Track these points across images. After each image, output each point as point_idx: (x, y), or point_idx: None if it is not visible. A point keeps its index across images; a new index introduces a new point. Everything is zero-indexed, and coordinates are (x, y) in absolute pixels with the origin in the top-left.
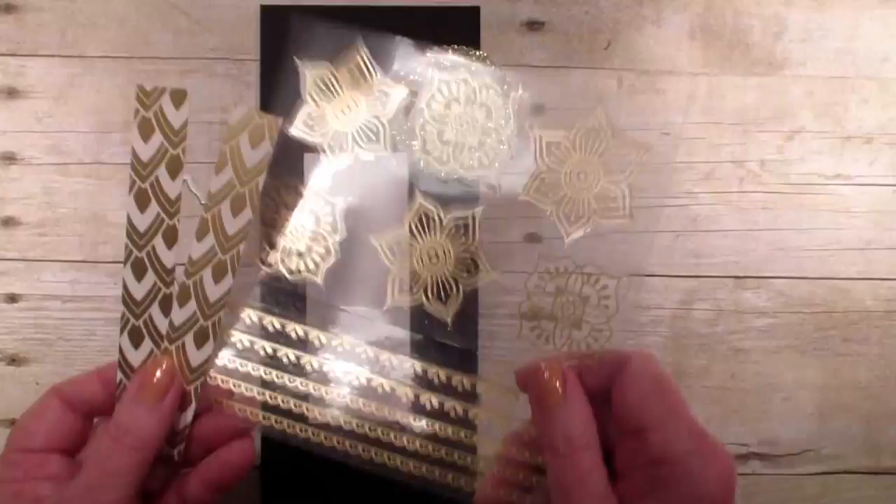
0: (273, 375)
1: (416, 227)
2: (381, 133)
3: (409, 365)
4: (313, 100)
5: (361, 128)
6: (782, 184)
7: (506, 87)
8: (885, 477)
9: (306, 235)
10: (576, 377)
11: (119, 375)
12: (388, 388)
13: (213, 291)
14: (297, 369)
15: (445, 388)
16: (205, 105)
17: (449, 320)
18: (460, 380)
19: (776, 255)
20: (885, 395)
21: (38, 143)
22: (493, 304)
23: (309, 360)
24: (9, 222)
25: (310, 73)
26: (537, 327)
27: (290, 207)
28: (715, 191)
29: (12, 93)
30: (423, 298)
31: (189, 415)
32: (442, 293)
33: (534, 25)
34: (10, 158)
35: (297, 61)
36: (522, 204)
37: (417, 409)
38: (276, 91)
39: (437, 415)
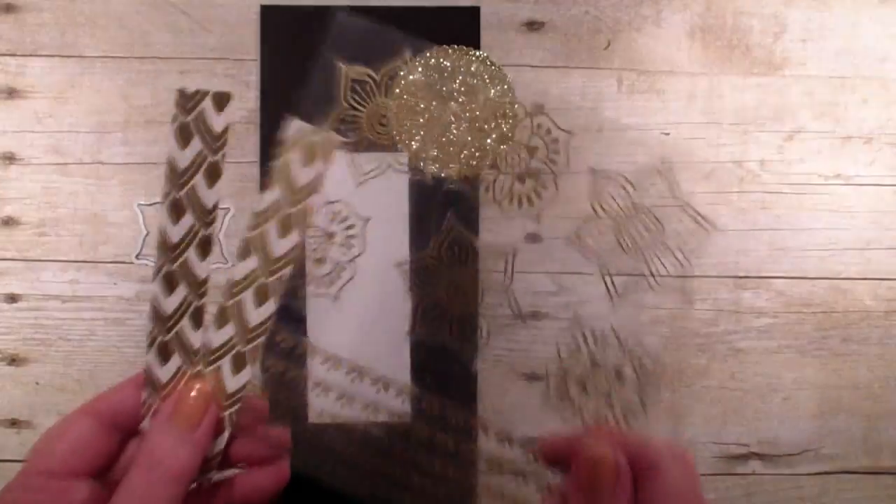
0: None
1: (446, 254)
2: (390, 125)
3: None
4: (349, 104)
5: (371, 118)
6: (782, 184)
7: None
8: (885, 477)
9: (328, 251)
10: (629, 471)
11: (145, 393)
12: (384, 412)
13: (254, 316)
14: (292, 385)
15: (440, 420)
16: None
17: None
18: (454, 414)
19: (776, 255)
20: (884, 395)
21: (38, 143)
22: (492, 304)
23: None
24: (9, 222)
25: (349, 76)
26: (566, 398)
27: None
28: (715, 191)
29: (12, 93)
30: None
31: (222, 441)
32: (467, 329)
33: (534, 25)
34: (10, 158)
35: (339, 64)
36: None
37: (414, 438)
38: (276, 91)
39: (432, 446)
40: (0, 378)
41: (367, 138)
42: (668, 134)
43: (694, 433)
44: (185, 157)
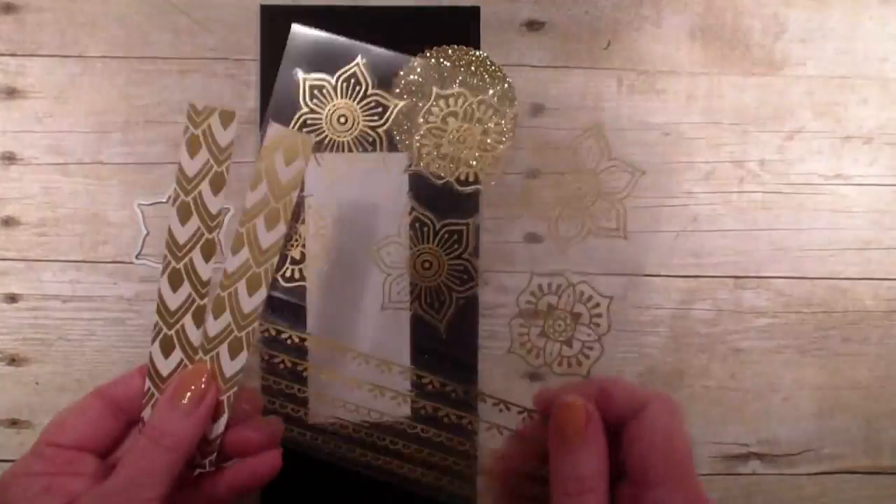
0: (270, 381)
1: (411, 235)
2: (377, 143)
3: (406, 374)
4: (309, 107)
5: (358, 137)
6: (782, 184)
7: (504, 102)
8: (885, 477)
9: (301, 243)
10: (599, 417)
11: (147, 384)
12: (385, 395)
13: (248, 303)
14: (294, 376)
15: (441, 396)
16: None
17: (442, 328)
18: (454, 389)
19: (776, 255)
20: (884, 395)
21: (38, 143)
22: (492, 304)
23: (305, 367)
24: (9, 222)
25: (307, 82)
26: (528, 342)
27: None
28: (715, 191)
29: (12, 93)
30: (418, 307)
31: (221, 425)
32: (436, 302)
33: (534, 25)
34: (10, 158)
35: (295, 70)
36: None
37: (415, 416)
38: (277, 91)
39: (434, 421)
40: (0, 378)
41: (330, 137)
42: (668, 134)
43: (694, 433)
44: (193, 166)
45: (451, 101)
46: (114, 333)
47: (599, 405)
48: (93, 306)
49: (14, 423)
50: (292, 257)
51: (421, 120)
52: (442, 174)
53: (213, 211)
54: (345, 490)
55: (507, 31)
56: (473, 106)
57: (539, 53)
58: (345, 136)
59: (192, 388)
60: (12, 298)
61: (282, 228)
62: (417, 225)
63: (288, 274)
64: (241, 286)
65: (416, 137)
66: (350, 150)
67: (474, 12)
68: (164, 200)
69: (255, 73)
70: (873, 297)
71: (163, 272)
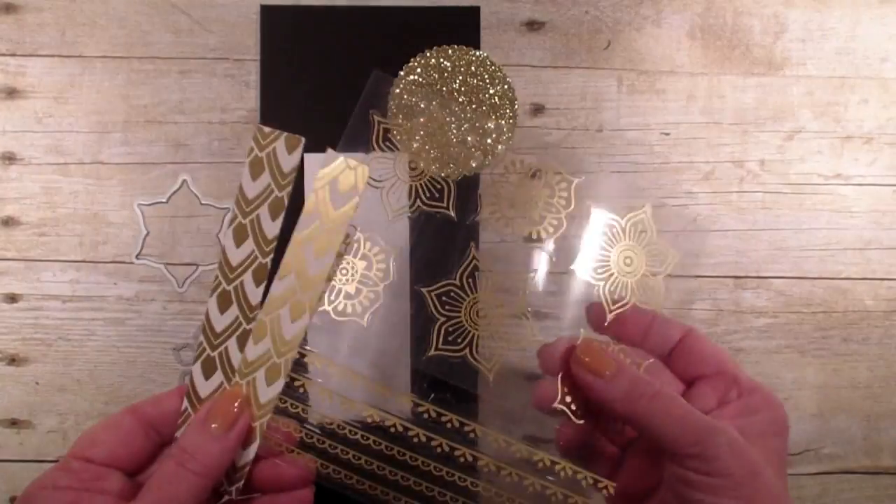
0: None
1: (469, 281)
2: (444, 192)
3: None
4: (381, 149)
5: (426, 183)
6: (782, 184)
7: (504, 102)
8: (885, 477)
9: (356, 279)
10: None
11: (185, 403)
12: (399, 429)
13: (289, 330)
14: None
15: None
16: (205, 105)
17: (491, 378)
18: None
19: (776, 255)
20: (885, 395)
21: (38, 143)
22: (492, 304)
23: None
24: (9, 222)
25: (381, 125)
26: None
27: (343, 250)
28: (715, 191)
29: (12, 93)
30: (468, 353)
31: (251, 452)
32: (486, 351)
33: (534, 25)
34: (10, 158)
35: (372, 114)
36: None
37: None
38: (276, 91)
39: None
40: (0, 378)
41: (421, 207)
42: (668, 134)
43: None
44: (254, 188)
45: (451, 101)
46: (114, 333)
47: (654, 330)
48: (93, 306)
49: (14, 423)
50: (347, 291)
51: (421, 120)
52: (442, 174)
53: (270, 236)
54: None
55: (507, 31)
56: (473, 106)
57: (539, 53)
58: (415, 181)
59: (225, 412)
60: (12, 298)
61: (330, 259)
62: (476, 273)
63: (340, 307)
64: (285, 312)
65: (416, 137)
66: (418, 195)
67: (474, 12)
68: (163, 200)
69: (255, 73)
70: (873, 297)
71: (212, 293)
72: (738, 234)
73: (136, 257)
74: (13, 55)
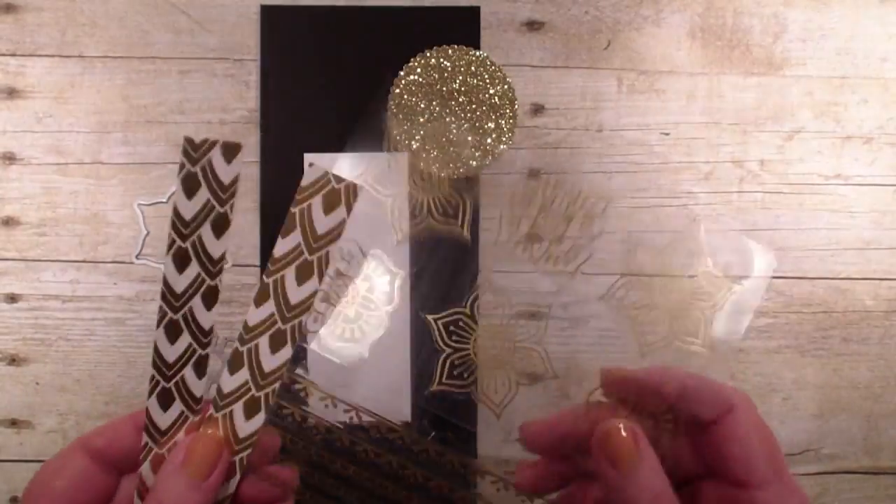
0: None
1: (479, 310)
2: (459, 210)
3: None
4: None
5: (438, 200)
6: (782, 184)
7: (504, 102)
8: (885, 477)
9: (358, 301)
10: (643, 437)
11: (144, 438)
12: (395, 466)
13: (269, 362)
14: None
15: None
16: (205, 105)
17: (499, 419)
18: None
19: (776, 255)
20: (885, 395)
21: (38, 143)
22: (493, 305)
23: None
24: (9, 222)
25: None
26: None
27: (336, 272)
28: (715, 191)
29: (12, 93)
30: (475, 390)
31: (232, 486)
32: (496, 385)
33: (534, 25)
34: (10, 158)
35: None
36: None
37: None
38: (276, 91)
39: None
40: (0, 378)
41: (430, 223)
42: (668, 134)
43: None
44: (191, 208)
45: (451, 101)
46: (114, 333)
47: (680, 401)
48: (93, 306)
49: (14, 423)
50: (346, 315)
51: (421, 120)
52: (442, 174)
53: (216, 255)
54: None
55: (507, 31)
56: (473, 106)
57: (539, 53)
58: (426, 196)
59: (203, 456)
60: (12, 298)
61: (314, 283)
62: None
63: (339, 332)
64: (264, 342)
65: (417, 137)
66: (430, 211)
67: (474, 12)
68: (163, 200)
69: (255, 73)
70: (873, 297)
71: (158, 324)
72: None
73: (136, 257)
74: (13, 55)
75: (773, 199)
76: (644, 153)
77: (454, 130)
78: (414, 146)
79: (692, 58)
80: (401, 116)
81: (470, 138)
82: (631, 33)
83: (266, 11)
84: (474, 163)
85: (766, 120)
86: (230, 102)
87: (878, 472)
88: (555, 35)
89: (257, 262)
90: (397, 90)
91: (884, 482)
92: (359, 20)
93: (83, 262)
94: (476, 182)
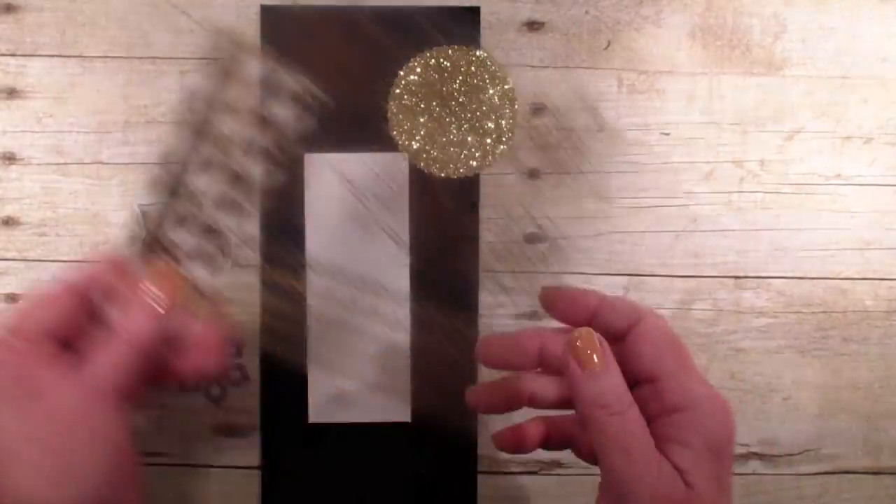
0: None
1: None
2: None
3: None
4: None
5: None
6: (782, 184)
7: (504, 102)
8: (885, 477)
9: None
10: (607, 344)
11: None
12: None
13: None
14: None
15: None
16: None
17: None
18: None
19: (776, 255)
20: (885, 395)
21: (38, 143)
22: (493, 305)
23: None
24: (9, 222)
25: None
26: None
27: None
28: (715, 191)
29: (12, 93)
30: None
31: (184, 327)
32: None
33: (534, 25)
34: (10, 158)
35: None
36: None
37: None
38: (277, 92)
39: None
40: None
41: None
42: (668, 134)
43: None
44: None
45: (451, 101)
46: None
47: (600, 317)
48: None
49: None
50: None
51: (421, 120)
52: (442, 174)
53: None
54: (345, 490)
55: (507, 31)
56: (473, 106)
57: (539, 53)
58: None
59: (160, 289)
60: (12, 298)
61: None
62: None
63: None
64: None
65: (416, 138)
66: None
67: (474, 12)
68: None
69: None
70: (873, 297)
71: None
72: (738, 234)
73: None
74: (13, 55)
75: (773, 199)
76: (644, 153)
77: (454, 130)
78: (414, 146)
79: (692, 58)
80: (401, 116)
81: (470, 138)
82: (631, 33)
83: (266, 11)
84: (474, 163)
85: (766, 120)
86: (230, 102)
87: (879, 473)
88: (555, 35)
89: (257, 263)
90: (397, 90)
91: (884, 482)
92: (359, 20)
93: (83, 262)
94: (476, 182)
